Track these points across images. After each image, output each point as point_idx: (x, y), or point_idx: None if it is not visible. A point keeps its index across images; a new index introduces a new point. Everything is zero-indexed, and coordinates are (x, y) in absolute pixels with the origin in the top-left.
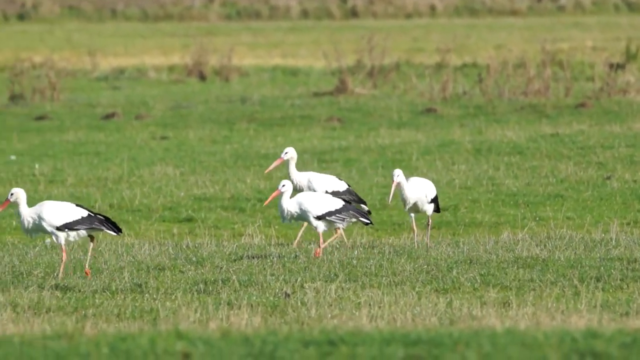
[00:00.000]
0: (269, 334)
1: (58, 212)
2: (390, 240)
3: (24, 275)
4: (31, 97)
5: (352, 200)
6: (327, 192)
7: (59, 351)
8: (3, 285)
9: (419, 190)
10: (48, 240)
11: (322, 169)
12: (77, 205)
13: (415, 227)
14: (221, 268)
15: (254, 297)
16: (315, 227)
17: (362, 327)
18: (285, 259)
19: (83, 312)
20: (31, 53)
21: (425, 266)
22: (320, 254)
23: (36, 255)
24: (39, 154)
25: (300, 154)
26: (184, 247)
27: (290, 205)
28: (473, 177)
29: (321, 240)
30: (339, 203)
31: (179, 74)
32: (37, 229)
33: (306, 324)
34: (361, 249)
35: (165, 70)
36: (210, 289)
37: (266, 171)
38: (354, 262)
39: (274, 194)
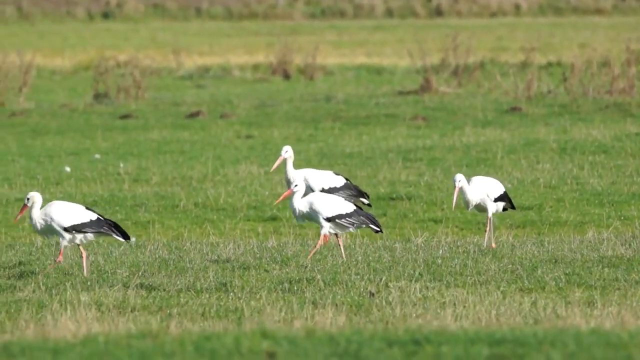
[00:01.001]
0: (354, 333)
1: (67, 212)
2: (475, 240)
3: (109, 274)
4: (116, 96)
5: (351, 194)
6: (324, 188)
7: (144, 350)
8: (88, 284)
9: (481, 191)
10: (134, 238)
11: (406, 168)
12: (87, 208)
13: (489, 225)
14: (306, 267)
15: (339, 296)
16: (322, 228)
17: (446, 327)
18: (370, 258)
19: (168, 311)
20: (116, 52)
21: (510, 265)
22: (309, 258)
23: (121, 254)
24: (123, 153)
25: (384, 152)
26: (269, 246)
27: (301, 205)
28: (558, 176)
29: (320, 242)
30: (350, 207)
31: (264, 72)
32: (48, 229)
33: (391, 323)
34: (446, 248)
35: (250, 69)
36: (295, 288)
37: (272, 169)
38: (439, 261)
39: (285, 194)
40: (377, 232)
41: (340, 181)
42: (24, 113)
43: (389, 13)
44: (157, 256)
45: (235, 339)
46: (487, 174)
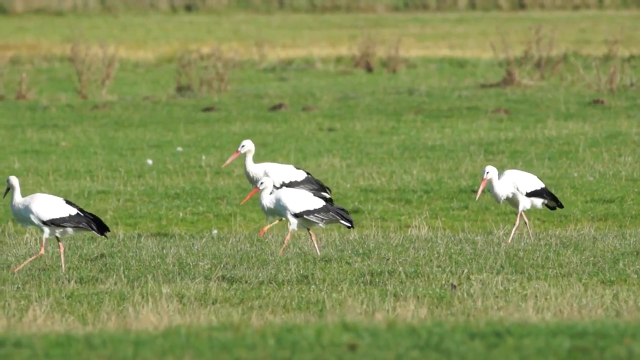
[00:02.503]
0: (435, 325)
1: (47, 206)
2: (557, 232)
3: (190, 267)
4: (198, 88)
5: (312, 189)
6: (284, 182)
7: (225, 342)
8: (170, 276)
9: (509, 186)
10: (215, 231)
11: (488, 161)
12: (67, 202)
13: (526, 219)
14: (387, 260)
15: (420, 289)
16: (290, 224)
17: (528, 319)
18: (452, 250)
19: (249, 303)
20: (199, 44)
21: (592, 258)
22: (281, 254)
23: (202, 247)
24: (205, 145)
25: (466, 145)
26: (350, 238)
27: (268, 201)
28: (639, 169)
29: (287, 238)
30: (319, 202)
31: (346, 65)
32: (25, 220)
33: (472, 315)
34: (527, 241)
35: (333, 62)
36: (377, 280)
37: (224, 165)
38: (521, 254)
39: (252, 192)
40: (348, 227)
41: (301, 175)
42: (106, 105)
43: (472, 5)
44: (238, 248)
45: (316, 331)
46: (568, 167)
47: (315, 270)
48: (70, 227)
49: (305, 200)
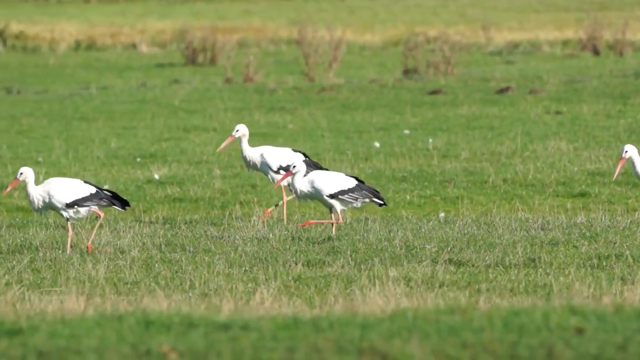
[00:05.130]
0: None
1: (67, 189)
2: None
3: (417, 250)
4: (425, 71)
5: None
6: (281, 166)
7: (452, 325)
8: (397, 259)
9: None
10: (442, 213)
11: None
12: (85, 182)
13: None
14: (615, 243)
15: None
16: (331, 206)
17: None
18: None
19: (476, 286)
20: (425, 27)
21: None
22: (308, 225)
23: (429, 230)
24: (432, 128)
25: None
26: (577, 222)
27: (302, 185)
28: None
29: (340, 220)
30: (352, 182)
31: (573, 48)
32: (47, 206)
33: None
34: None
35: (559, 45)
36: (604, 264)
37: (218, 149)
38: None
39: (284, 176)
40: (380, 205)
41: (298, 158)
42: (333, 88)
43: None
44: (465, 232)
45: (543, 314)
46: None
47: (542, 253)
48: (92, 205)
49: (338, 181)
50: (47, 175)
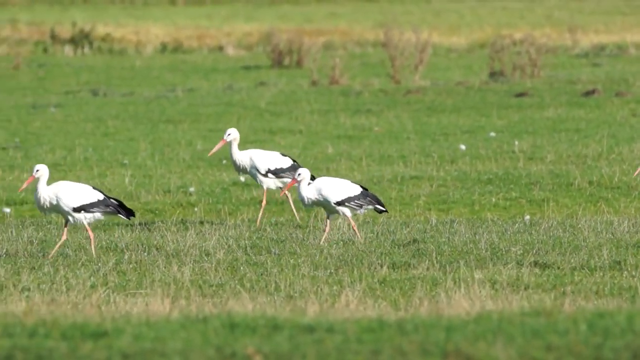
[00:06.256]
0: None
1: (75, 193)
2: None
3: (503, 252)
4: (511, 74)
5: None
6: (270, 169)
7: (537, 328)
8: (482, 262)
9: None
10: (527, 216)
11: None
12: (93, 188)
13: None
14: None
15: None
16: (342, 214)
17: None
18: None
19: (562, 289)
20: (511, 30)
21: None
22: (359, 238)
23: (515, 232)
24: (518, 131)
25: None
26: None
27: (309, 192)
28: None
29: (354, 225)
30: (357, 189)
31: None
32: (53, 208)
33: None
34: None
35: None
36: None
37: (210, 153)
38: None
39: (290, 184)
40: (381, 212)
41: (286, 162)
42: (419, 91)
43: None
44: (551, 234)
45: (628, 317)
46: None
47: (628, 256)
48: (99, 212)
49: (345, 188)
50: (133, 178)
